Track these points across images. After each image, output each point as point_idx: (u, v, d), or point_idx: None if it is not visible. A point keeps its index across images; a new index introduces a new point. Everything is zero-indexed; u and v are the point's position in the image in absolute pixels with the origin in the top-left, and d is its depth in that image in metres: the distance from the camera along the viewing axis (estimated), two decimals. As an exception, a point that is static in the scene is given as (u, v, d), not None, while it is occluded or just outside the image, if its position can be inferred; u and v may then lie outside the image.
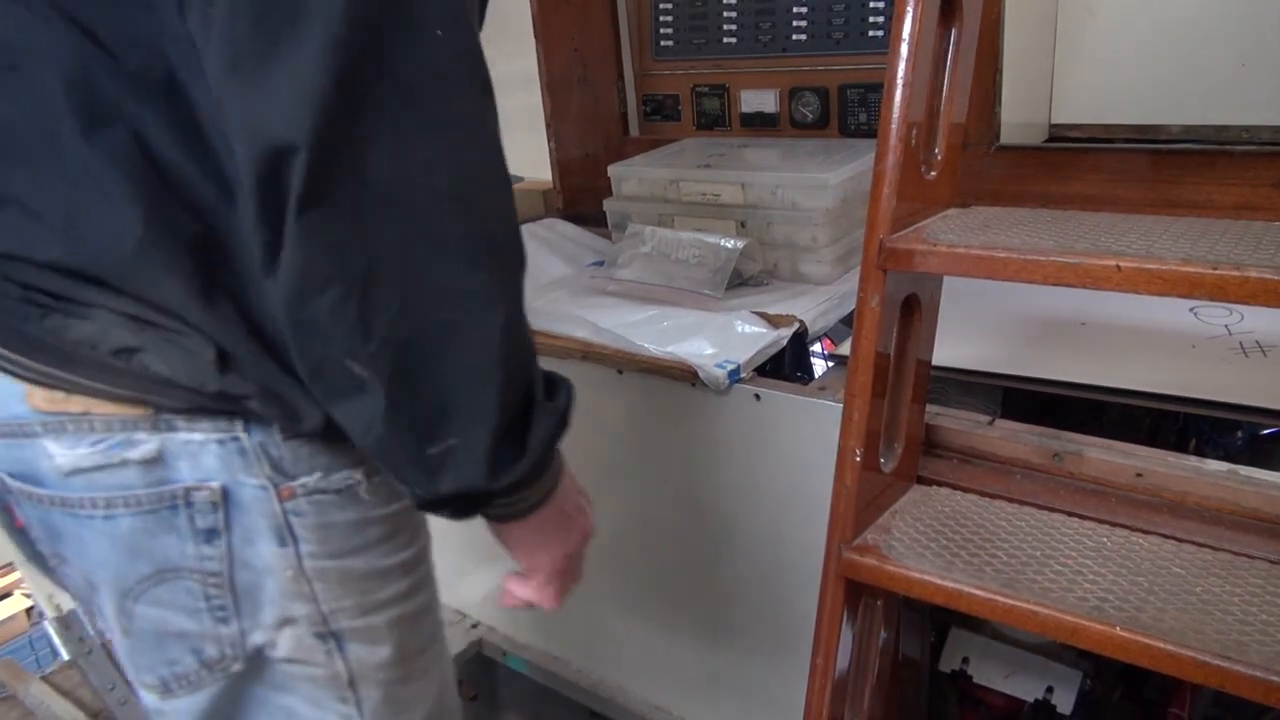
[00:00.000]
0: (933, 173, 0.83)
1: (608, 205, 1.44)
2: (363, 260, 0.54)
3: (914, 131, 0.78)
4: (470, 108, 0.56)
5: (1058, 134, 1.44)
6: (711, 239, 1.26)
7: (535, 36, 1.68)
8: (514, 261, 0.61)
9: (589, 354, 1.16)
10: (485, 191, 0.57)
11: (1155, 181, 1.21)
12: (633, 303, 1.27)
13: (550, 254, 1.61)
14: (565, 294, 1.35)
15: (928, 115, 0.81)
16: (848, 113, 1.44)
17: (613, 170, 1.42)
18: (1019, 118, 1.36)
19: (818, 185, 1.23)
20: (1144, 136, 1.35)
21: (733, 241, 1.25)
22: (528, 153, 1.78)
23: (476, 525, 0.68)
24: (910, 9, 0.76)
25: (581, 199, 1.78)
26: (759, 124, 1.53)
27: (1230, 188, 1.16)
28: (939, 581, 0.75)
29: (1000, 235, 0.75)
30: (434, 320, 0.56)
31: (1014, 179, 1.29)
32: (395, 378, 0.56)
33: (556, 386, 0.65)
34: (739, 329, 1.14)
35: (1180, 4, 1.24)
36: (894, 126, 0.76)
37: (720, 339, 1.13)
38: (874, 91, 1.41)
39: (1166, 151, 1.21)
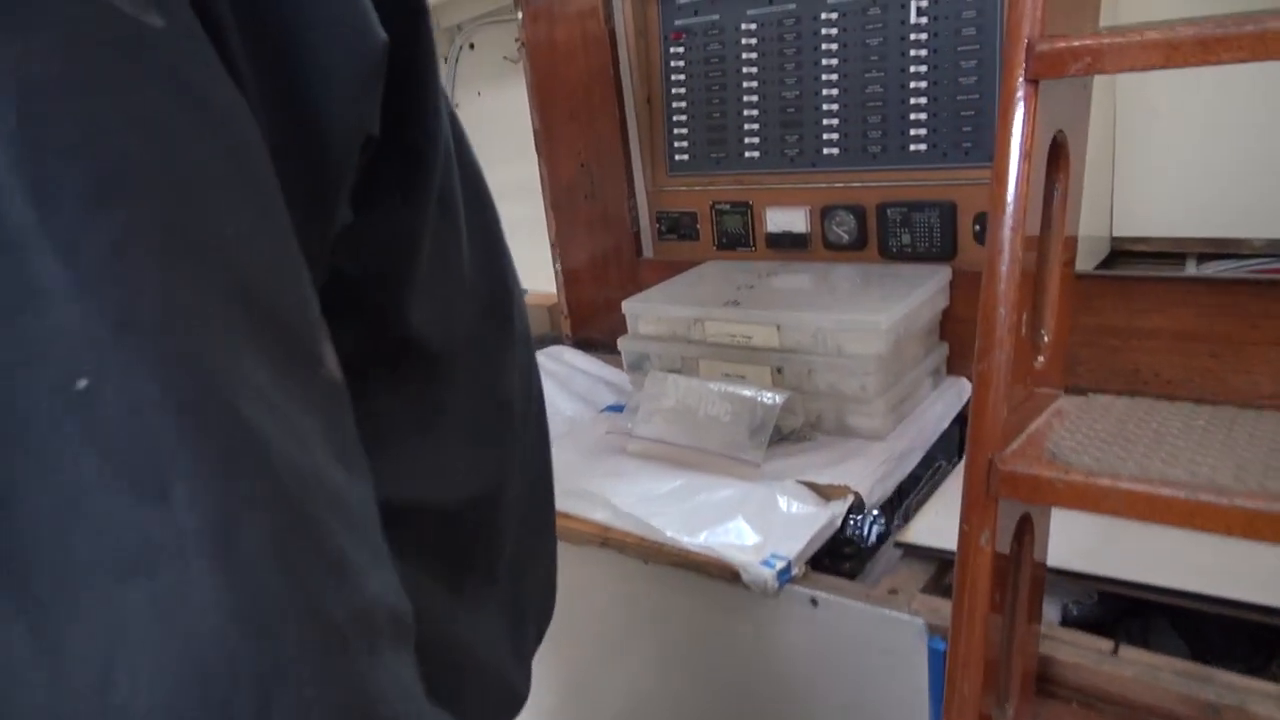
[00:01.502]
0: (1041, 358, 0.66)
1: (623, 345, 1.28)
2: None
3: (1024, 316, 0.62)
4: None
5: (1121, 248, 1.28)
6: (747, 392, 1.10)
7: (537, 150, 1.54)
8: None
9: (608, 540, 0.99)
10: None
11: (1259, 316, 1.04)
12: (657, 467, 1.10)
13: (560, 390, 1.45)
14: (577, 454, 1.17)
15: (1035, 289, 0.64)
16: (888, 234, 1.29)
17: (627, 306, 1.26)
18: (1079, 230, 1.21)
19: (868, 330, 1.07)
20: (1221, 251, 1.19)
21: (772, 396, 1.08)
22: (534, 265, 1.63)
23: None
24: (1016, 160, 0.60)
25: (591, 322, 1.62)
26: (788, 245, 1.38)
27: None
28: None
29: (1147, 452, 0.58)
30: None
31: (1085, 308, 1.13)
32: None
33: None
34: (785, 507, 0.97)
35: (1258, 97, 1.10)
36: (1000, 314, 0.60)
37: (763, 521, 0.95)
38: (917, 210, 1.26)
39: (1269, 282, 1.05)
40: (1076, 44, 0.57)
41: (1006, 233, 0.59)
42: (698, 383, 1.14)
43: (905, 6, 1.21)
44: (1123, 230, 1.28)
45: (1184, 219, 1.22)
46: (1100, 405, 0.67)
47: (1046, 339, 0.66)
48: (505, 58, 1.90)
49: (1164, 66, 0.55)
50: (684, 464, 1.09)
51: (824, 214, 1.34)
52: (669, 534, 0.94)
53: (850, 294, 1.18)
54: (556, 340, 1.71)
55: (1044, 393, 0.66)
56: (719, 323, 1.18)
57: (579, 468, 1.13)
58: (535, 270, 1.64)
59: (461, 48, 2.05)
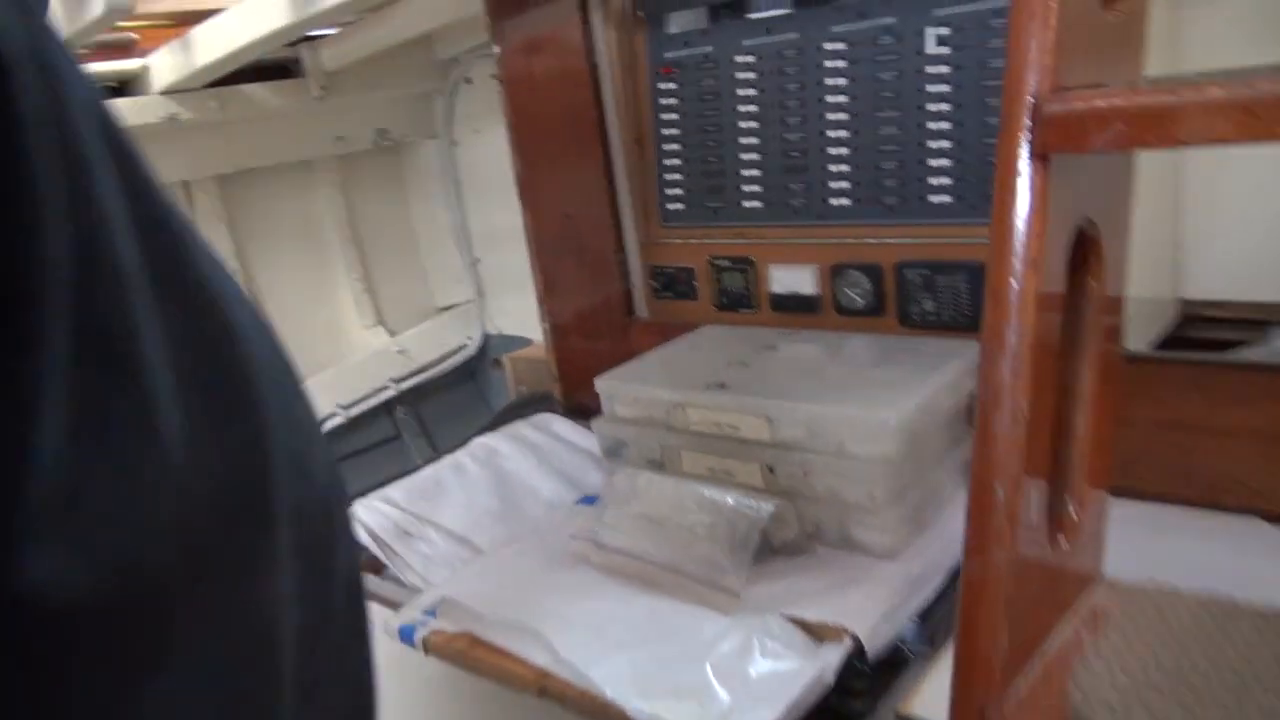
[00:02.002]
0: (1066, 541, 0.47)
1: (597, 428, 1.11)
2: None
3: (1032, 491, 0.43)
4: None
5: (1192, 313, 1.08)
6: (729, 499, 0.91)
7: (520, 198, 1.38)
8: None
9: (547, 690, 0.81)
10: None
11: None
12: (621, 588, 0.92)
13: (537, 468, 1.29)
14: (536, 561, 1.01)
15: (1056, 432, 0.46)
16: (909, 298, 1.10)
17: (601, 385, 1.09)
18: (1136, 290, 1.00)
19: (875, 427, 0.88)
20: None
21: (757, 506, 0.90)
22: (530, 315, 1.47)
23: None
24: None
25: (584, 387, 1.45)
26: (794, 308, 1.20)
27: None
28: None
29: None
30: None
31: (1144, 396, 0.93)
32: None
33: None
34: (763, 657, 0.78)
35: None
36: (998, 496, 0.41)
37: (735, 675, 0.77)
38: (940, 272, 1.07)
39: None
40: (1104, 104, 0.38)
41: (1005, 377, 0.40)
42: (673, 484, 0.96)
43: (921, 34, 1.02)
44: (1194, 292, 1.07)
45: (1272, 278, 1.02)
46: (1157, 603, 0.47)
47: (1074, 510, 0.47)
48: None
49: (1238, 140, 0.37)
50: (654, 584, 0.91)
51: (835, 273, 1.15)
52: (611, 694, 0.76)
53: (859, 375, 0.99)
54: (548, 403, 1.54)
55: (1071, 582, 0.48)
56: (702, 409, 1.00)
57: (532, 581, 0.96)
58: (533, 322, 1.48)
59: (458, 82, 1.91)
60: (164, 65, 1.48)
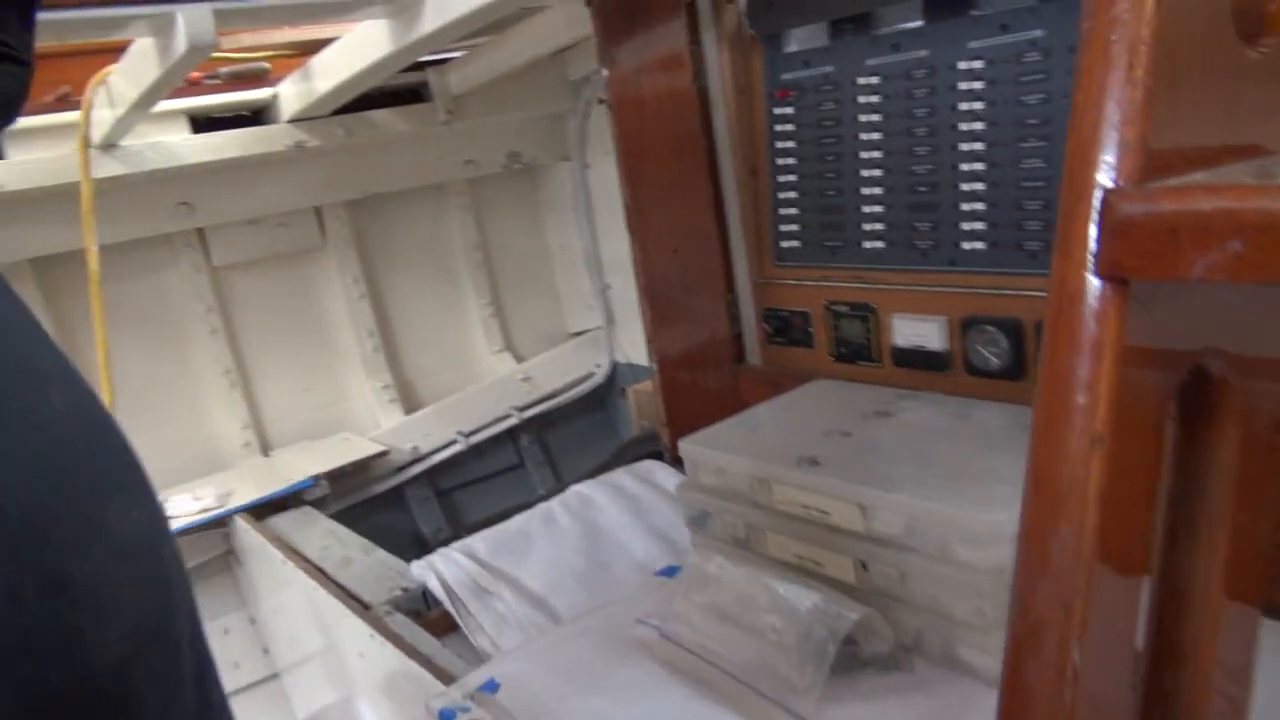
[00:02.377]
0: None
1: (680, 494, 1.00)
2: None
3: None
4: None
5: None
6: (807, 602, 0.78)
7: (629, 229, 1.29)
8: None
9: (576, 816, 0.71)
10: None
11: None
12: (678, 690, 0.80)
13: (632, 525, 1.19)
14: (597, 641, 0.90)
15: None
16: (1054, 361, 0.92)
17: (685, 449, 0.98)
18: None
19: (986, 532, 0.73)
20: None
21: (838, 612, 0.76)
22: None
23: None
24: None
25: (691, 433, 1.34)
26: (920, 364, 1.04)
27: None
28: None
29: None
30: None
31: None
32: None
33: None
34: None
35: None
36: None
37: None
38: (1096, 333, 0.88)
39: None
40: (1213, 205, 0.24)
41: (1044, 614, 0.27)
42: (747, 574, 0.83)
43: (1076, 51, 0.85)
44: None
45: None
46: None
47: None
48: (634, 113, 1.67)
49: None
50: (716, 691, 0.79)
51: (966, 327, 0.99)
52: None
53: (980, 459, 0.83)
54: (654, 447, 1.44)
55: None
56: (790, 488, 0.87)
57: (588, 671, 0.86)
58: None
59: (590, 103, 1.84)
60: (290, 94, 1.49)
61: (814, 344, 1.16)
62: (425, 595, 1.11)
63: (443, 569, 1.12)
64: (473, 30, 1.26)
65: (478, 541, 1.18)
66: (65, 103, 1.33)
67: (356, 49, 1.30)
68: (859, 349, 1.11)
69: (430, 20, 1.11)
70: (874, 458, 0.87)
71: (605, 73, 1.25)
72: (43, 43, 1.19)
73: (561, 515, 1.24)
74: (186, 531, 1.40)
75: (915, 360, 1.05)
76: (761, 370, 1.22)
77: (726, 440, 0.97)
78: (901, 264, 1.04)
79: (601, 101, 1.80)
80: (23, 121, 1.21)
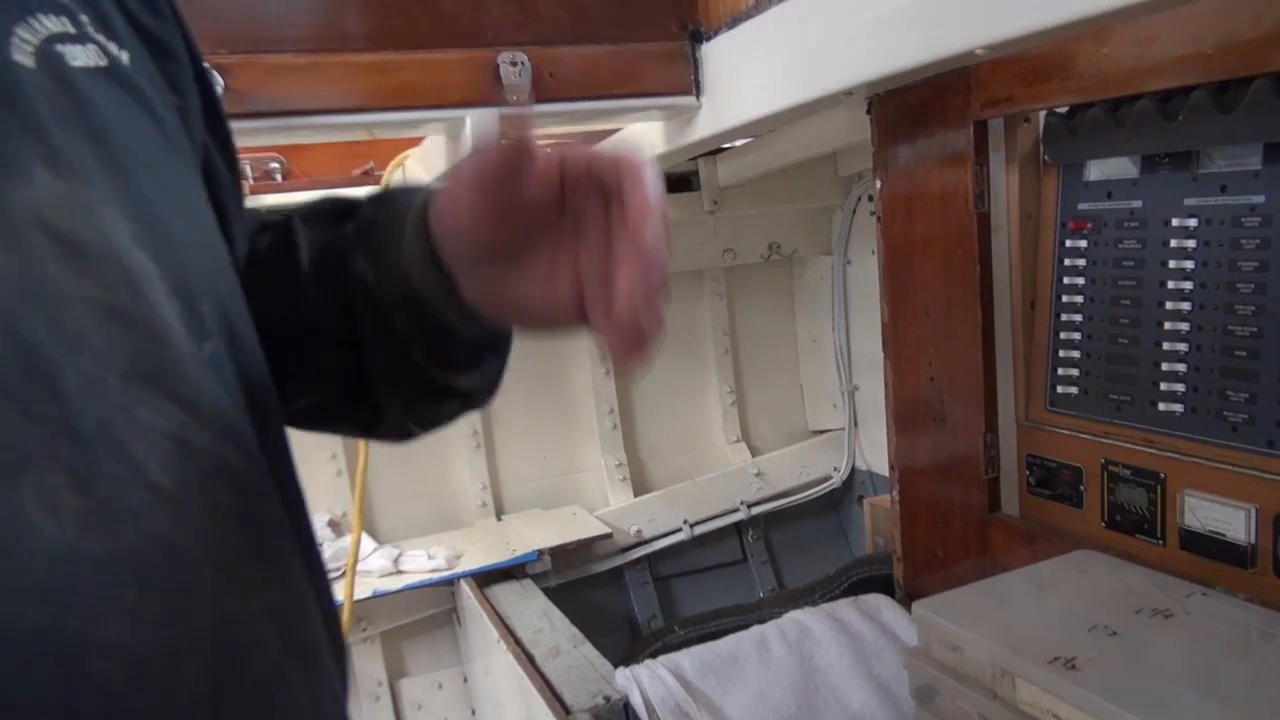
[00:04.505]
0: None
1: (908, 660, 0.90)
2: None
3: None
4: None
5: None
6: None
7: (884, 348, 1.22)
8: None
9: None
10: None
11: None
12: None
13: (852, 667, 1.12)
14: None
15: None
16: (1401, 586, 0.75)
17: (919, 612, 0.89)
18: None
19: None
20: None
21: None
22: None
23: None
24: None
25: (929, 573, 1.24)
26: (1214, 554, 0.89)
27: None
28: None
29: None
30: None
31: None
32: None
33: None
34: None
35: None
36: None
37: None
38: None
39: None
40: None
41: None
42: (977, 783, 0.73)
43: None
44: None
45: None
46: None
47: None
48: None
49: None
50: None
51: (1279, 524, 0.83)
52: None
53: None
54: (884, 571, 1.33)
55: None
56: (1038, 690, 0.75)
57: None
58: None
59: (859, 199, 1.78)
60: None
61: (1083, 504, 1.03)
62: (627, 709, 1.08)
63: (647, 685, 1.08)
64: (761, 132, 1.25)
65: (685, 659, 1.13)
66: (368, 177, 1.45)
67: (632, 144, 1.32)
68: (1138, 521, 0.97)
69: (703, 127, 1.11)
70: (1146, 671, 0.74)
71: (878, 183, 1.19)
72: (353, 138, 1.30)
73: (777, 644, 1.17)
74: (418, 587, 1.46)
75: (1209, 548, 0.89)
76: (1017, 522, 1.10)
77: (969, 613, 0.87)
78: (1204, 435, 0.90)
79: (871, 210, 1.74)
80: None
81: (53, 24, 0.40)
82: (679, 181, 1.68)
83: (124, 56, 0.43)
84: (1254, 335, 0.85)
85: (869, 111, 1.19)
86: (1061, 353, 1.04)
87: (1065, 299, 1.03)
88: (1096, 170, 0.99)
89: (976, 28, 0.85)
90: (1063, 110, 0.98)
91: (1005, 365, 1.10)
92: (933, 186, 1.11)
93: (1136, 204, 0.95)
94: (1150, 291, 0.94)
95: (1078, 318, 1.02)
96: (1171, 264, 0.92)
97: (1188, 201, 0.90)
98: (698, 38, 1.09)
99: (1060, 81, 0.94)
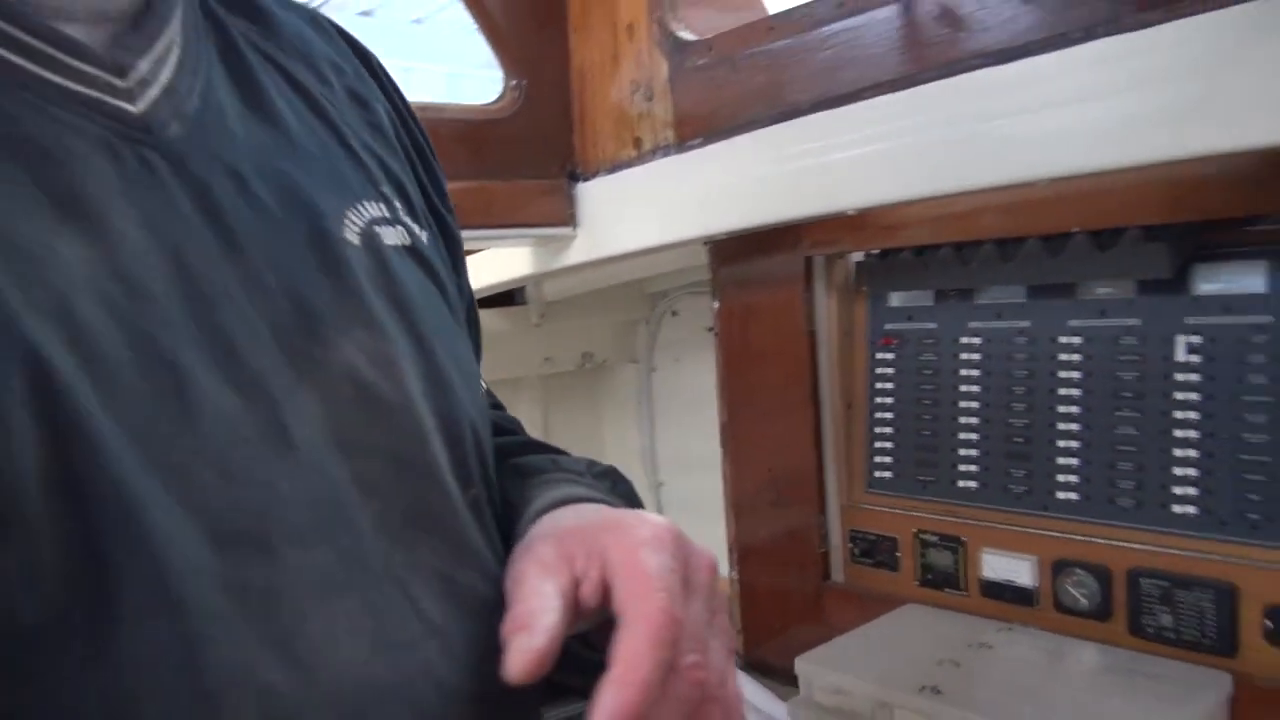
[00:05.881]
0: None
1: (792, 711, 1.06)
2: None
3: None
4: None
5: None
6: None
7: (723, 445, 1.40)
8: None
9: None
10: None
11: None
12: None
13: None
14: None
15: None
16: (1141, 608, 1.02)
17: (801, 667, 1.05)
18: None
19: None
20: None
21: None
22: (708, 543, 1.45)
23: None
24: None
25: (768, 644, 1.41)
26: (1009, 598, 1.13)
27: None
28: None
29: None
30: None
31: None
32: None
33: None
34: None
35: None
36: None
37: None
38: (1182, 587, 0.99)
39: None
40: None
41: None
42: (878, 797, 0.89)
43: (1170, 341, 1.00)
44: None
45: None
46: None
47: None
48: (708, 329, 1.82)
49: None
50: None
51: (1056, 569, 1.09)
52: None
53: (1095, 702, 0.91)
54: (727, 654, 1.49)
55: None
56: (916, 716, 0.94)
57: None
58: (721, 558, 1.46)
59: (665, 314, 2.00)
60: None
61: (899, 568, 1.25)
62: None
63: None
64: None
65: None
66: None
67: (489, 265, 1.45)
68: (946, 577, 1.20)
69: (575, 255, 1.26)
70: (993, 691, 0.95)
71: (716, 303, 1.40)
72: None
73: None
74: None
75: (1004, 594, 1.14)
76: (845, 589, 1.30)
77: (843, 659, 1.04)
78: (994, 504, 1.15)
79: (674, 314, 1.96)
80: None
81: (373, 209, 0.48)
82: (506, 296, 1.81)
83: (423, 236, 0.52)
84: (1027, 426, 1.12)
85: (706, 243, 1.40)
86: (877, 444, 1.28)
87: (878, 400, 1.27)
88: (898, 299, 1.25)
89: (807, 203, 1.09)
90: (876, 251, 1.24)
91: (830, 456, 1.32)
92: (768, 309, 1.33)
93: (932, 325, 1.22)
94: (946, 394, 1.20)
95: (890, 415, 1.26)
96: (961, 372, 1.19)
97: (970, 324, 1.18)
98: (574, 178, 1.25)
99: (875, 231, 1.20)
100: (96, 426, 0.35)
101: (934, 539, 1.21)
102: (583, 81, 1.24)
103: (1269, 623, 0.93)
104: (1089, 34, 0.75)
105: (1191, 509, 0.99)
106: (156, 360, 0.38)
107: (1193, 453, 0.99)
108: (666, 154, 1.16)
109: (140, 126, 0.43)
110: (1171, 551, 1.00)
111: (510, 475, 0.60)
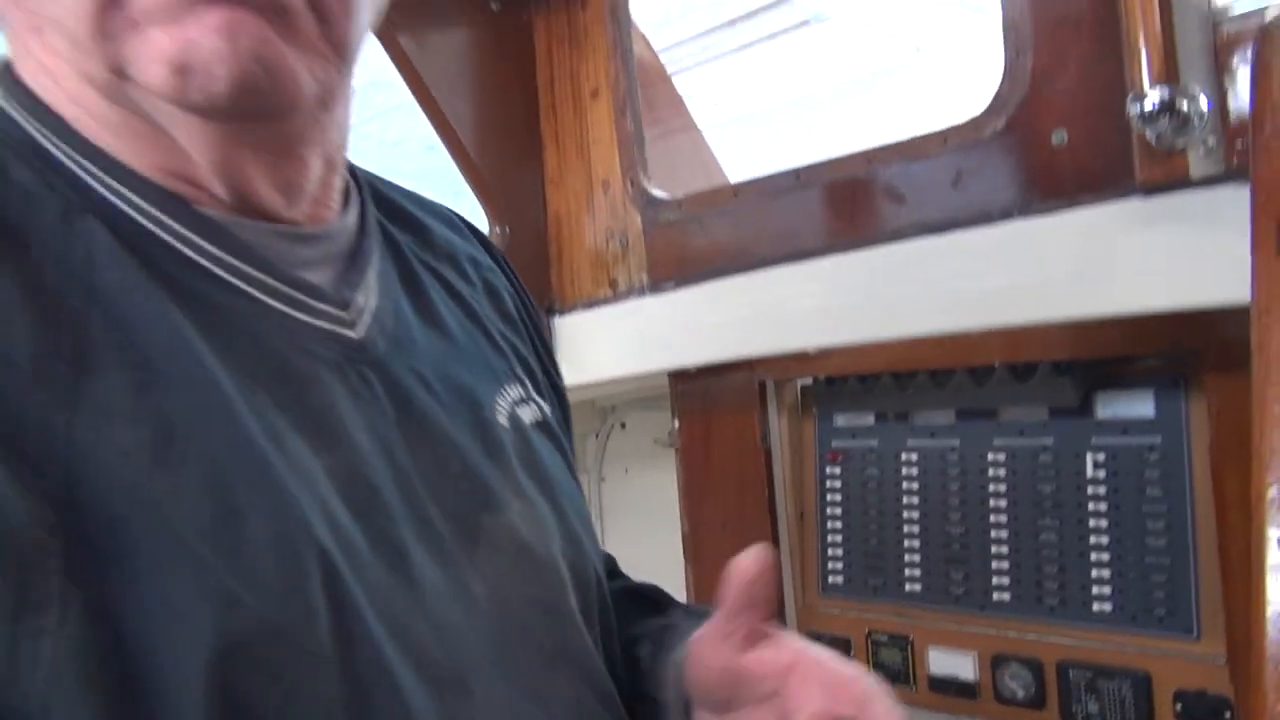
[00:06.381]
0: None
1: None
2: None
3: None
4: None
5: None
6: None
7: (685, 555, 1.51)
8: None
9: None
10: None
11: None
12: None
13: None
14: None
15: None
16: (1072, 697, 1.15)
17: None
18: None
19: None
20: None
21: None
22: None
23: None
24: None
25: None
26: (954, 692, 1.25)
27: None
28: None
29: None
30: None
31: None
32: None
33: None
34: None
35: None
36: None
37: None
38: (1104, 677, 1.12)
39: None
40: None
41: None
42: None
43: (1080, 457, 1.16)
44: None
45: None
46: None
47: None
48: (655, 440, 1.94)
49: None
50: None
51: (995, 663, 1.22)
52: None
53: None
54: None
55: None
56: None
57: None
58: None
59: (614, 426, 2.11)
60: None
61: (853, 666, 1.37)
62: None
63: None
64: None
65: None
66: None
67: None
68: (896, 673, 1.32)
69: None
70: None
71: (676, 422, 1.52)
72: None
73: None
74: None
75: (949, 688, 1.26)
76: (804, 687, 1.41)
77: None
78: (937, 605, 1.28)
79: (623, 426, 2.07)
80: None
81: (515, 392, 0.59)
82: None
83: (548, 409, 0.63)
84: (963, 534, 1.26)
85: (670, 375, 1.53)
86: (830, 551, 1.40)
87: (829, 510, 1.40)
88: (843, 419, 1.40)
89: (767, 343, 1.24)
90: (822, 377, 1.39)
91: (787, 563, 1.44)
92: (726, 428, 1.46)
93: (874, 443, 1.36)
94: (889, 505, 1.34)
95: (839, 524, 1.39)
96: (903, 485, 1.33)
97: (909, 442, 1.33)
98: (551, 311, 1.38)
99: (821, 361, 1.35)
100: (356, 599, 0.45)
101: (884, 638, 1.33)
102: (559, 228, 1.38)
103: (1179, 705, 1.07)
104: (1005, 215, 0.92)
105: (1108, 605, 1.14)
106: (384, 540, 0.49)
107: (1106, 555, 1.14)
108: (640, 295, 1.30)
109: (358, 348, 0.54)
110: (1093, 645, 1.14)
111: (626, 602, 0.70)
